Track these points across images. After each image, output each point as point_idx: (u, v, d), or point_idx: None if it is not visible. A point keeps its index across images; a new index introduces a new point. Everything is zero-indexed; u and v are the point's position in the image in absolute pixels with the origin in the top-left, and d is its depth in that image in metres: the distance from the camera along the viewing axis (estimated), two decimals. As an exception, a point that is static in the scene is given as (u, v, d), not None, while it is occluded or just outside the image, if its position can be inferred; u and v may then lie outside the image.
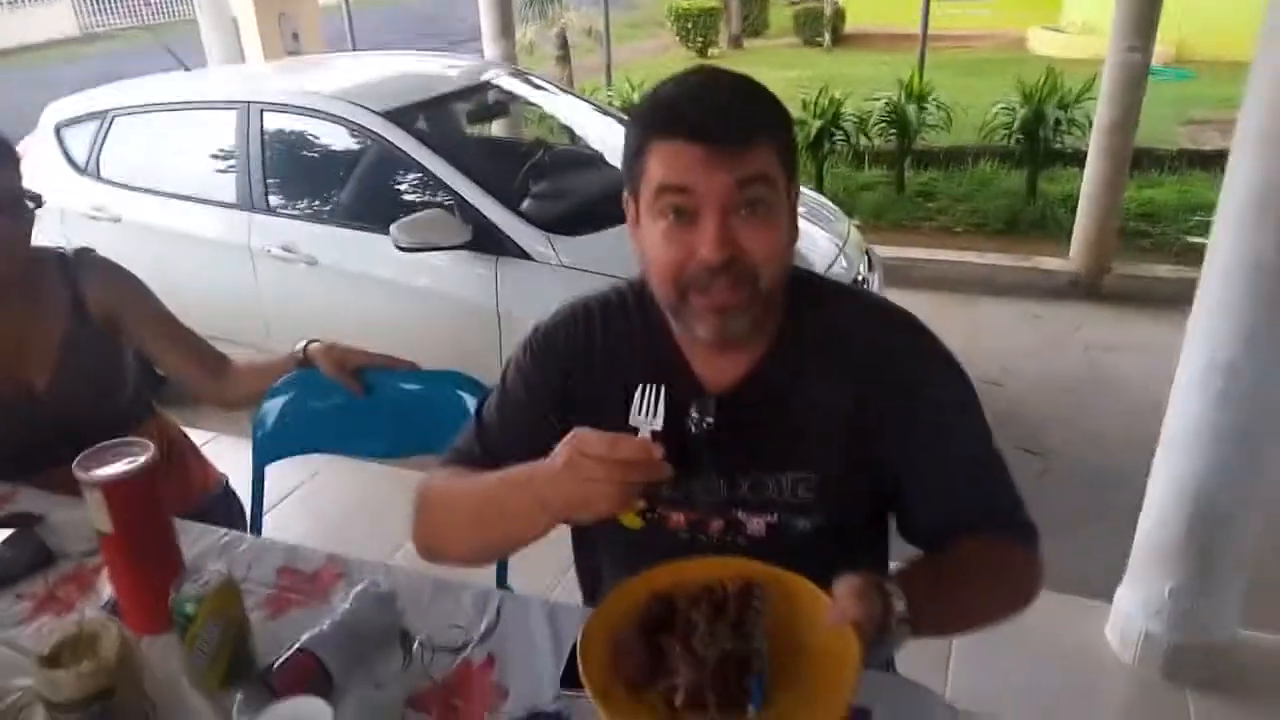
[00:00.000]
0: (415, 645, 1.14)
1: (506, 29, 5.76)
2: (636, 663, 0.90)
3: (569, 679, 1.06)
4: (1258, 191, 1.72)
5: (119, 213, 3.75)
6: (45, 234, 1.68)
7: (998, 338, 4.47)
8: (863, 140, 6.26)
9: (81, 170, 3.87)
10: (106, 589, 1.23)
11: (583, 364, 1.15)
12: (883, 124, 6.13)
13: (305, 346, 1.66)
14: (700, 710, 0.86)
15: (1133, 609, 2.17)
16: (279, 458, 1.73)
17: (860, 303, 1.17)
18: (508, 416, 1.19)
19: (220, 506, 1.85)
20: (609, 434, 0.92)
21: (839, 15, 12.80)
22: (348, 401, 1.66)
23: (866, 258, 3.66)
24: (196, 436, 1.98)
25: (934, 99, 6.16)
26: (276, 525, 2.46)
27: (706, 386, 1.11)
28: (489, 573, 1.48)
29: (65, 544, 1.36)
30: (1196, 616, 2.08)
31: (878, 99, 6.21)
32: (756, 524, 1.12)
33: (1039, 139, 5.79)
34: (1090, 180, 4.77)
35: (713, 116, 0.97)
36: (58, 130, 3.96)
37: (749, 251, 0.99)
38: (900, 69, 6.43)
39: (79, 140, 3.92)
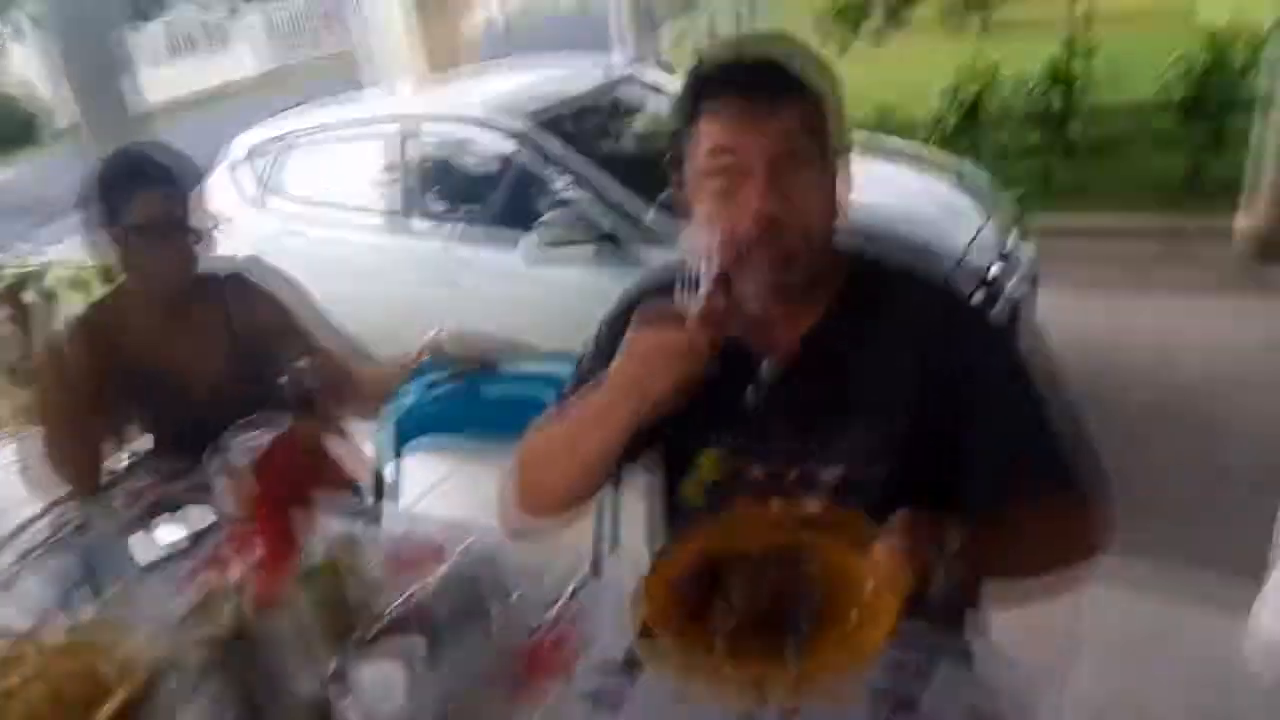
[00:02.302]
0: (513, 599, 1.25)
1: (650, 24, 5.88)
2: (687, 609, 0.97)
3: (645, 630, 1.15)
4: None
5: (301, 228, 4.12)
6: (241, 252, 1.94)
7: (1169, 317, 4.13)
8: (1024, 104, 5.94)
9: (266, 192, 4.28)
10: (258, 549, 1.42)
11: None
12: (1046, 84, 5.81)
13: (435, 335, 1.82)
14: (741, 657, 0.92)
15: (1273, 620, 1.98)
16: (413, 445, 1.91)
17: (917, 274, 1.23)
18: (602, 370, 1.27)
19: (366, 493, 2.04)
20: (661, 331, 1.05)
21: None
22: (471, 391, 1.81)
23: (1015, 235, 3.48)
24: (355, 433, 2.18)
25: (1103, 53, 5.78)
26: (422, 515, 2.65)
27: (775, 345, 1.19)
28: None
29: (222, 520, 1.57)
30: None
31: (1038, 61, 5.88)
32: (828, 475, 1.17)
33: (1222, 88, 5.32)
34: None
35: (752, 72, 1.06)
36: (243, 160, 4.38)
37: (794, 203, 1.07)
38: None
39: (264, 165, 4.32)
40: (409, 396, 1.89)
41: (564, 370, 1.76)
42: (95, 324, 1.80)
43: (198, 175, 1.85)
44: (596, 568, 1.69)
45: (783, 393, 1.18)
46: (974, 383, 1.12)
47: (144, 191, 1.70)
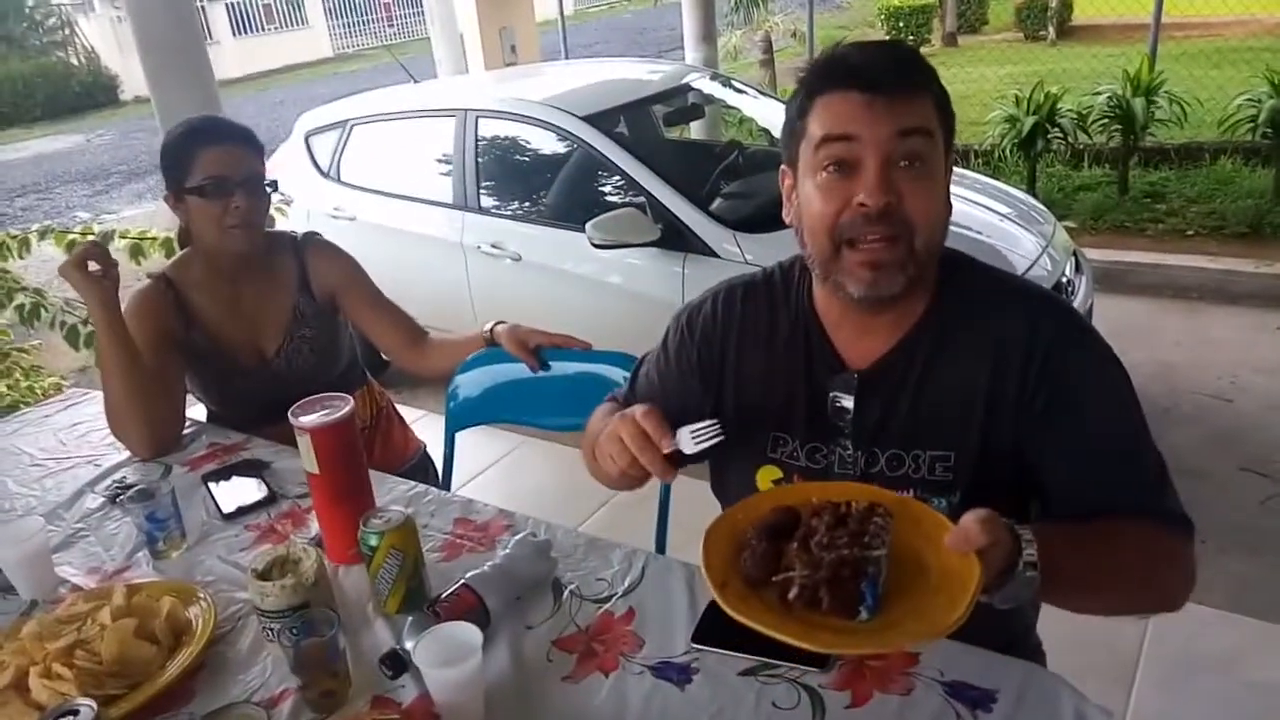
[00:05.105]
0: (565, 593, 1.25)
1: (708, 35, 5.90)
2: (755, 560, 0.93)
3: (700, 635, 1.14)
4: None
5: (354, 212, 4.16)
6: (297, 228, 1.95)
7: (1228, 350, 4.08)
8: (1082, 138, 5.87)
9: (325, 174, 4.31)
10: (314, 526, 1.43)
11: (721, 336, 1.23)
12: (1105, 120, 5.72)
13: (493, 327, 1.82)
14: (813, 607, 0.88)
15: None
16: (468, 426, 1.92)
17: (1007, 284, 1.17)
18: (655, 377, 1.30)
19: (419, 469, 2.06)
20: (647, 425, 1.03)
21: (1065, 6, 11.99)
22: (528, 377, 1.81)
23: (1074, 260, 3.47)
24: (409, 413, 2.20)
25: (1165, 91, 5.69)
26: (473, 495, 2.68)
27: (848, 363, 1.15)
28: (643, 538, 1.58)
29: (285, 487, 1.60)
30: None
31: (1099, 93, 5.81)
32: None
33: (1289, 134, 5.22)
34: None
35: (877, 64, 1.01)
36: (307, 138, 4.42)
37: (908, 204, 1.01)
38: (1132, 61, 5.97)
39: (324, 147, 4.36)
40: (463, 385, 1.90)
41: (612, 368, 1.79)
42: (161, 290, 1.82)
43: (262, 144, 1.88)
44: (661, 547, 1.70)
45: (855, 408, 1.13)
46: (1068, 392, 1.06)
47: (221, 146, 1.72)
